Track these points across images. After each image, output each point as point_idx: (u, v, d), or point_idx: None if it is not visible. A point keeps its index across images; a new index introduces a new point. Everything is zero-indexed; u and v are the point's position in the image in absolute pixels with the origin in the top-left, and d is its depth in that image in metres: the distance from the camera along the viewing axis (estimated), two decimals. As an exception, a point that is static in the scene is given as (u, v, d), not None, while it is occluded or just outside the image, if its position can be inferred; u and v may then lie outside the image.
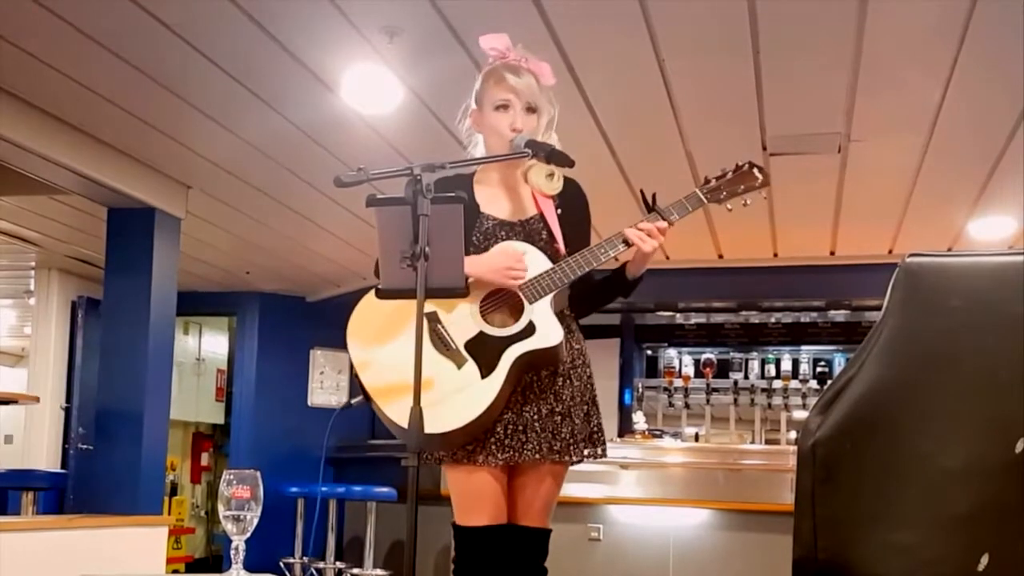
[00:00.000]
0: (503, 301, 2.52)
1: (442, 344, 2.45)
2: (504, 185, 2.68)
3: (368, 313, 2.52)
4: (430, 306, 2.45)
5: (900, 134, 4.63)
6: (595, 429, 2.62)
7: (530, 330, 2.47)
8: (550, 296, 2.50)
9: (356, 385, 2.50)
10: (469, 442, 2.48)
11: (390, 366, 2.39)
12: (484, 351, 2.44)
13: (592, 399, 2.64)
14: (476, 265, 2.46)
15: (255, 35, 3.71)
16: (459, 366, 2.43)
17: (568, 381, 2.58)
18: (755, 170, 2.69)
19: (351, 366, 2.51)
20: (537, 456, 2.51)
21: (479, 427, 2.43)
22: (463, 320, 2.48)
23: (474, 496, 2.51)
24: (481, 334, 2.48)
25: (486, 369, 2.43)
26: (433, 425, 2.25)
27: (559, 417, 2.55)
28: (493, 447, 2.48)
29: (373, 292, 2.46)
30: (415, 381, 2.04)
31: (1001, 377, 1.50)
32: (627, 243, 2.53)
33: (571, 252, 2.58)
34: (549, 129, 2.65)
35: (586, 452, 2.59)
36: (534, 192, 2.66)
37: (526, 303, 2.48)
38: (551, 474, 2.59)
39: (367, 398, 2.45)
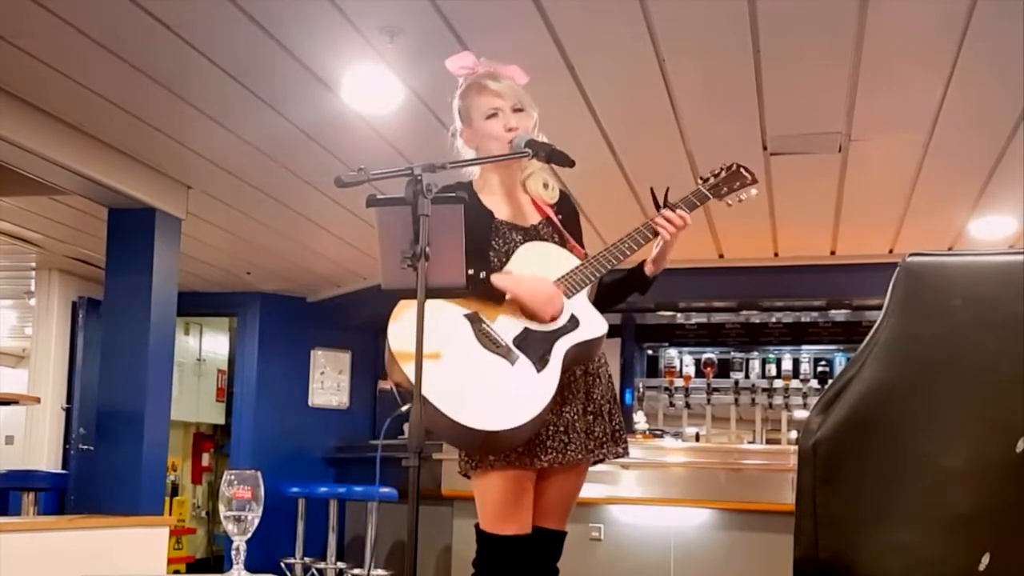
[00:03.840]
0: None
1: (491, 343, 2.45)
2: (506, 192, 2.70)
3: (409, 316, 2.48)
4: (470, 307, 2.48)
5: (901, 133, 4.62)
6: (617, 427, 2.66)
7: (574, 323, 2.49)
8: (586, 290, 2.54)
9: (400, 394, 2.43)
10: (518, 443, 2.46)
11: (444, 373, 2.33)
12: (533, 346, 2.45)
13: (613, 397, 2.68)
14: (516, 285, 2.47)
15: (255, 35, 3.71)
16: (512, 363, 2.43)
17: (597, 380, 2.63)
18: (742, 170, 2.81)
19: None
20: (580, 456, 2.54)
21: (542, 421, 2.43)
22: (506, 318, 2.49)
23: (510, 505, 2.51)
24: (527, 330, 2.48)
25: (540, 363, 2.43)
26: (503, 421, 2.30)
27: (591, 416, 2.59)
28: (537, 449, 2.49)
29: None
30: (416, 382, 2.04)
31: (1002, 377, 1.49)
32: (654, 232, 2.58)
33: None
34: (535, 131, 2.68)
35: (611, 451, 2.62)
36: (535, 199, 2.70)
37: (564, 298, 2.51)
38: (577, 476, 2.62)
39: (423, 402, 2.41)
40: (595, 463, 2.63)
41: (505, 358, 2.43)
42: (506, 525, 2.50)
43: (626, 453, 2.67)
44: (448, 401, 2.30)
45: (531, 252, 2.60)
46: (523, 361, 2.42)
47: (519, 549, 2.51)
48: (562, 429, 2.52)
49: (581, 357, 2.53)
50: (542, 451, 2.49)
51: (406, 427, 2.04)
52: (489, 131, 2.61)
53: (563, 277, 2.53)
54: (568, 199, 2.79)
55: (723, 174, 2.78)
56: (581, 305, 2.53)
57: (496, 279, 2.48)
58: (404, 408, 2.49)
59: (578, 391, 2.57)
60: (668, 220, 2.59)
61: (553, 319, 2.46)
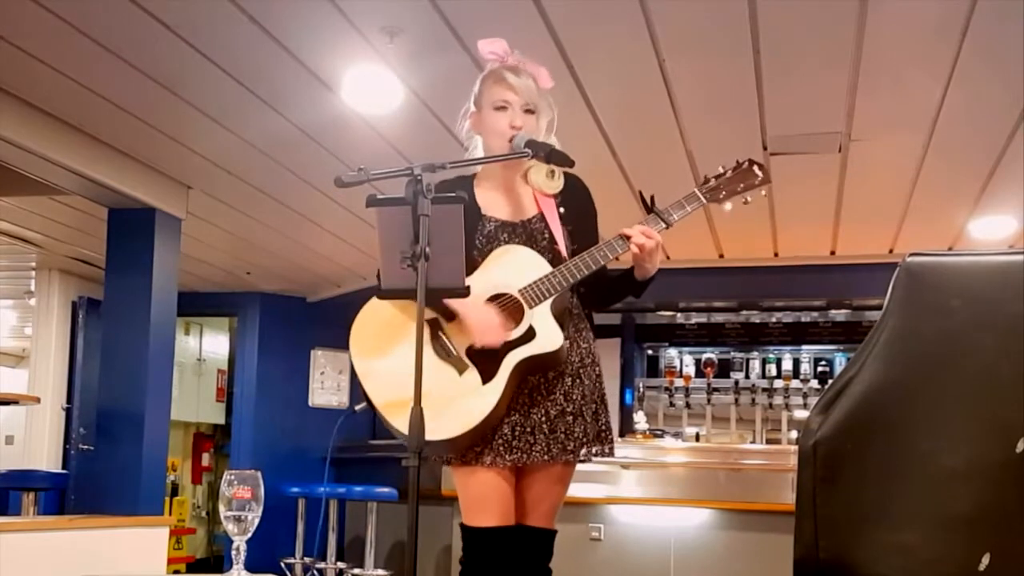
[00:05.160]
0: (504, 306, 2.52)
1: (444, 352, 2.47)
2: (505, 186, 2.68)
3: (370, 321, 2.53)
4: (431, 314, 2.48)
5: (900, 133, 4.63)
6: (603, 428, 2.63)
7: (530, 335, 2.47)
8: (550, 300, 2.50)
9: (360, 393, 2.51)
10: (476, 444, 2.48)
11: (393, 374, 2.38)
12: (485, 357, 2.45)
13: (601, 398, 2.65)
14: (461, 304, 2.46)
15: (255, 35, 3.71)
16: (460, 373, 2.45)
17: (578, 380, 2.60)
18: (755, 167, 2.69)
19: (353, 372, 2.53)
20: (545, 457, 2.52)
21: (482, 432, 2.45)
22: (464, 327, 2.49)
23: (482, 497, 2.52)
24: None
25: (487, 375, 2.44)
26: (436, 432, 2.29)
27: (570, 417, 2.56)
28: (501, 448, 2.49)
29: (374, 299, 2.49)
30: (415, 382, 2.04)
31: (1002, 376, 1.49)
32: (626, 240, 2.53)
33: (578, 246, 2.60)
34: (549, 132, 2.67)
35: (594, 450, 2.60)
36: (535, 192, 2.66)
37: (526, 307, 2.49)
38: (560, 475, 2.61)
39: (371, 406, 2.46)
40: (581, 462, 2.62)
41: (454, 368, 2.45)
42: (483, 517, 2.51)
43: (611, 453, 2.63)
44: (392, 410, 2.39)
45: (503, 257, 2.57)
46: (471, 372, 2.45)
47: (498, 541, 2.50)
48: (528, 430, 2.52)
49: (537, 368, 2.52)
50: (506, 451, 2.50)
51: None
52: (493, 123, 2.60)
53: (528, 287, 2.50)
54: (577, 189, 2.72)
55: (728, 173, 2.66)
56: (541, 317, 2.49)
57: (449, 302, 2.47)
58: (357, 408, 2.56)
59: (552, 392, 2.55)
60: (641, 231, 2.52)
61: (486, 348, 2.45)
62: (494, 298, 2.52)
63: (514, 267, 2.55)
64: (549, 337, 2.48)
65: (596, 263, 2.51)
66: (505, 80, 2.61)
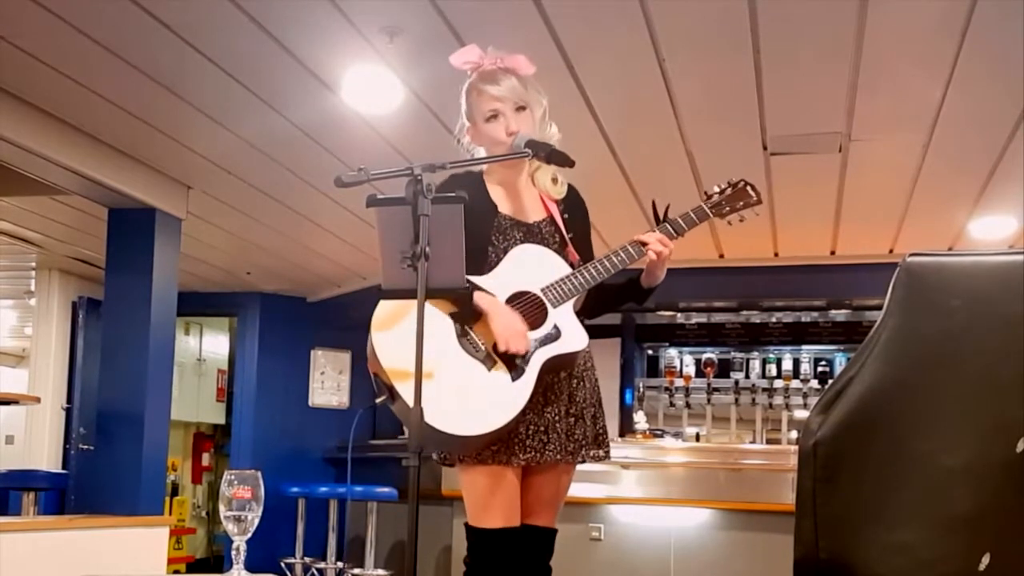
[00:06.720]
0: (525, 304, 2.54)
1: (472, 348, 2.47)
2: (513, 188, 2.70)
3: (391, 308, 2.50)
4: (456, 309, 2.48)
5: (901, 133, 4.63)
6: (600, 431, 2.67)
7: (556, 334, 2.50)
8: (572, 300, 2.54)
9: (379, 384, 2.45)
10: (493, 443, 2.48)
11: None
12: (512, 354, 2.45)
13: (598, 401, 2.68)
14: (493, 312, 2.46)
15: (255, 35, 3.71)
16: (489, 369, 2.45)
17: (582, 383, 2.63)
18: (748, 188, 2.78)
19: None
20: (558, 457, 2.55)
21: (508, 430, 2.45)
22: (489, 328, 2.49)
23: (493, 498, 2.52)
24: None
25: (515, 372, 2.45)
26: (469, 427, 2.32)
27: (573, 419, 2.59)
28: (516, 448, 2.51)
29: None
30: (415, 382, 2.04)
31: (1002, 377, 1.49)
32: (643, 247, 2.57)
33: (577, 256, 2.64)
34: (545, 120, 2.68)
35: (591, 454, 2.62)
36: (542, 195, 2.70)
37: (550, 307, 2.51)
38: (564, 475, 2.64)
39: (391, 396, 2.43)
40: (580, 463, 2.64)
41: (482, 363, 2.45)
42: (490, 519, 2.51)
43: (607, 456, 2.67)
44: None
45: (524, 255, 2.59)
46: (500, 369, 2.45)
47: (505, 542, 2.52)
48: (542, 429, 2.54)
49: (560, 367, 2.54)
50: (520, 450, 2.51)
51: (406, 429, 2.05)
52: (490, 134, 2.62)
53: (550, 286, 2.52)
54: (577, 201, 2.78)
55: (728, 191, 2.76)
56: (565, 317, 2.52)
57: (478, 298, 2.47)
58: (378, 400, 2.53)
59: (561, 393, 2.58)
60: (659, 240, 2.59)
61: (508, 354, 2.43)
62: (515, 296, 2.53)
63: (533, 266, 2.57)
64: (576, 336, 2.52)
65: (615, 267, 2.57)
66: (486, 92, 2.61)
